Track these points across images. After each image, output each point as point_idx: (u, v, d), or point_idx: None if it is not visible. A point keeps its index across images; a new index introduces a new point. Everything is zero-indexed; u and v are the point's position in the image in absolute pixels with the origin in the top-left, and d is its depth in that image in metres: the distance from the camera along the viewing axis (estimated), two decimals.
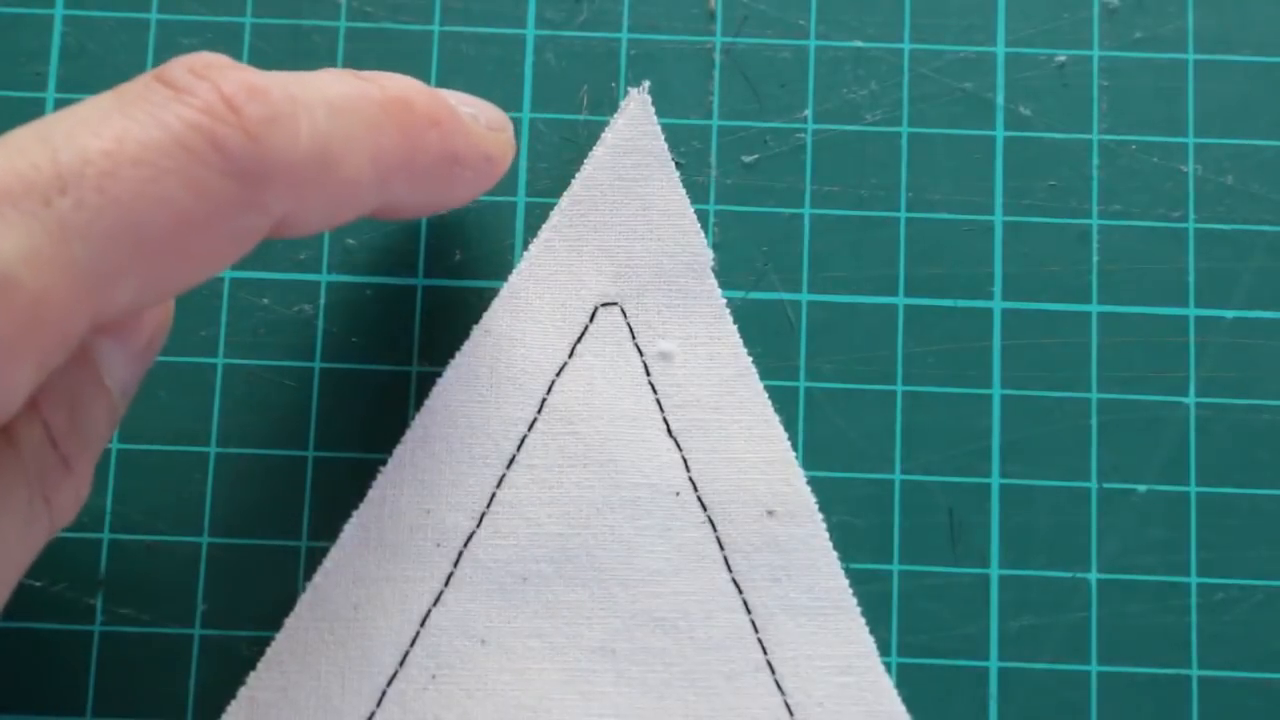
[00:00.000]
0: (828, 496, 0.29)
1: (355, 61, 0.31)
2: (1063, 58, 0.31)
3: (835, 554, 0.28)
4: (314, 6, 0.31)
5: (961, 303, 0.30)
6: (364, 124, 0.23)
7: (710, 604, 0.28)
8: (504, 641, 0.28)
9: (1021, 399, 0.30)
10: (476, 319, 0.29)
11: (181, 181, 0.20)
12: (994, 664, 0.29)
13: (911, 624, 0.29)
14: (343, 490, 0.29)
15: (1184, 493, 0.29)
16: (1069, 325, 0.30)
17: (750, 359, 0.29)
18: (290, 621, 0.28)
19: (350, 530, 0.28)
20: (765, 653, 0.28)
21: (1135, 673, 0.29)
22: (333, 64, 0.31)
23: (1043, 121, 0.31)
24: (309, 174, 0.22)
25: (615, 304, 0.29)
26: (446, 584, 0.28)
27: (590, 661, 0.28)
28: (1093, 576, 0.29)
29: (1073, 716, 0.28)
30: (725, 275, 0.30)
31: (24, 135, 0.20)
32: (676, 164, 0.30)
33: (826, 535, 0.28)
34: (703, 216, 0.30)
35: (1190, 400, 0.30)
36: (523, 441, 0.29)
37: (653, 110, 0.30)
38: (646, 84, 0.30)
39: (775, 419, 0.29)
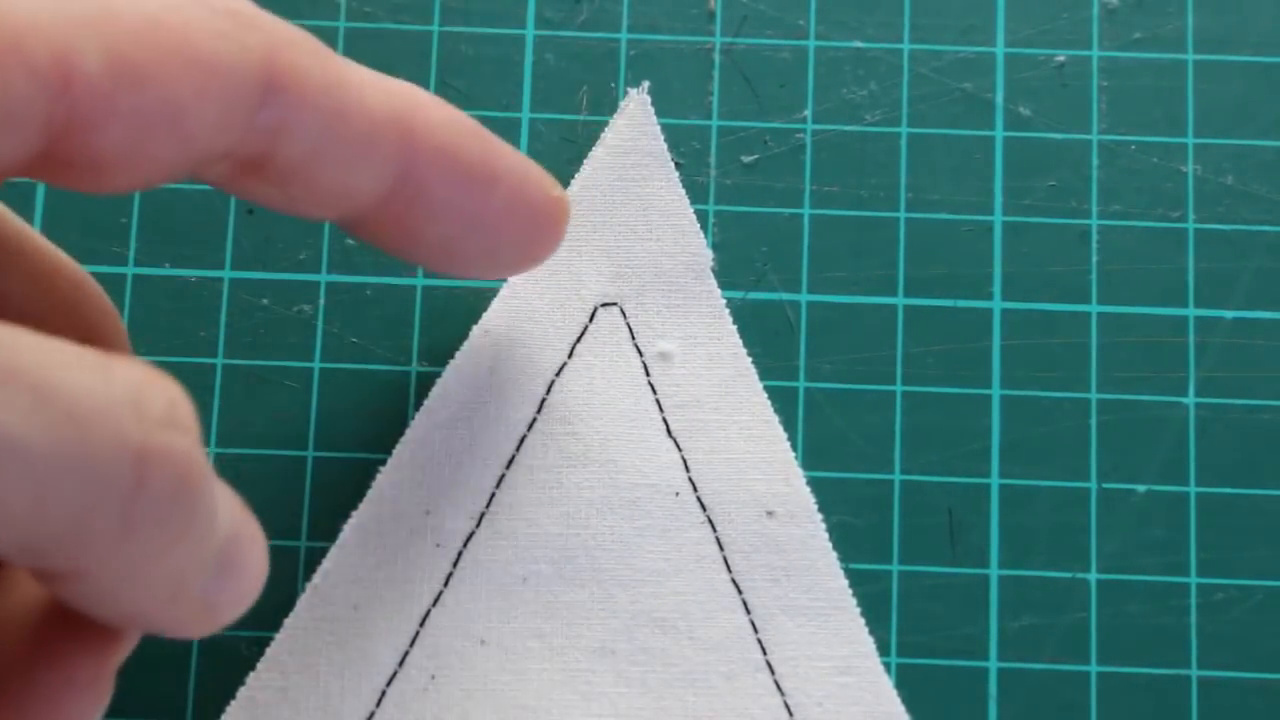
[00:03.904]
0: (828, 496, 0.29)
1: (355, 61, 0.31)
2: (1062, 58, 0.31)
3: (835, 554, 0.28)
4: (314, 6, 0.31)
5: (961, 303, 0.30)
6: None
7: (710, 604, 0.28)
8: (504, 642, 0.28)
9: (1021, 399, 0.30)
10: (476, 319, 0.29)
11: None
12: (994, 664, 0.29)
13: (911, 624, 0.29)
14: (343, 490, 0.29)
15: (1184, 493, 0.29)
16: (1069, 325, 0.30)
17: (750, 359, 0.29)
18: (290, 621, 0.28)
19: (350, 530, 0.28)
20: (765, 653, 0.28)
21: (1135, 673, 0.29)
22: None
23: (1042, 121, 0.31)
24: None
25: (615, 304, 0.29)
26: (446, 584, 0.28)
27: (590, 662, 0.28)
28: (1092, 576, 0.29)
29: (1073, 716, 0.28)
30: (725, 275, 0.30)
31: None
32: (676, 164, 0.30)
33: (826, 535, 0.28)
34: (702, 216, 0.30)
35: (1190, 400, 0.30)
36: (522, 442, 0.29)
37: (652, 110, 0.30)
38: (646, 84, 0.30)
39: (775, 419, 0.29)
